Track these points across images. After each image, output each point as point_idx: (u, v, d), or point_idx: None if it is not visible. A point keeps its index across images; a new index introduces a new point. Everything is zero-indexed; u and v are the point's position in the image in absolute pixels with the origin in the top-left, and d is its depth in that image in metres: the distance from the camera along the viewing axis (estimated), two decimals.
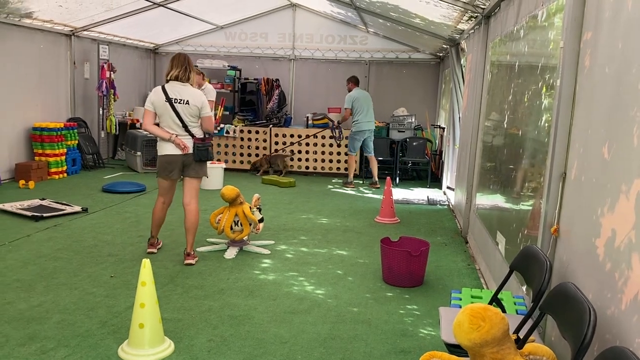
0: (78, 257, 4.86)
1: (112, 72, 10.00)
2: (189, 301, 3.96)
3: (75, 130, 9.15)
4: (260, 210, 5.33)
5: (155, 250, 4.98)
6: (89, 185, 8.26)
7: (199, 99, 4.67)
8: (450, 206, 7.64)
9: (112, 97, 10.06)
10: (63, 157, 8.79)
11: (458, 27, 7.20)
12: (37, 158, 8.58)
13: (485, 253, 4.73)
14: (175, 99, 4.58)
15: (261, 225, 5.29)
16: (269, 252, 5.22)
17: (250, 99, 11.93)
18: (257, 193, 5.49)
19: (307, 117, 10.68)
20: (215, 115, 11.06)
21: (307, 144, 10.08)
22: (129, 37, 11.05)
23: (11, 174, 8.27)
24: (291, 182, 8.95)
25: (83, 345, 3.24)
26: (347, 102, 8.93)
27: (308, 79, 11.97)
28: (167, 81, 4.68)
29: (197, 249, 5.14)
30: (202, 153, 4.68)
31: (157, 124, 4.72)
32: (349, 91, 9.21)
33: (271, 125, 10.82)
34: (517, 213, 3.72)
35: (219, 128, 10.05)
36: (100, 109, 10.10)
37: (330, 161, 10.08)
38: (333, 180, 9.66)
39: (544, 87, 3.27)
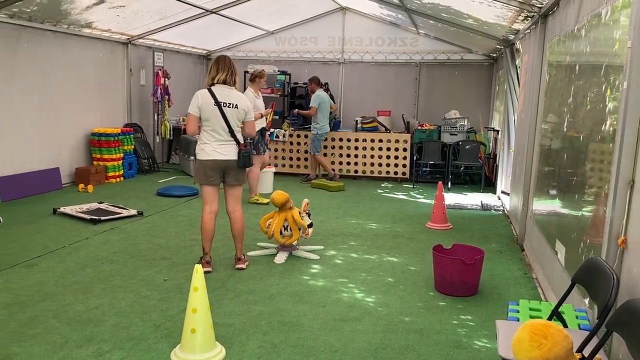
0: (133, 260, 4.98)
1: (166, 79, 10.26)
2: (240, 306, 3.98)
3: (132, 136, 9.44)
4: (309, 215, 5.32)
5: (211, 269, 4.68)
6: (144, 189, 8.49)
7: (246, 103, 4.67)
8: (505, 212, 7.40)
9: (167, 103, 10.33)
10: (120, 162, 9.08)
11: (513, 27, 6.97)
12: (95, 163, 8.89)
13: (543, 262, 4.54)
14: (224, 102, 4.53)
15: (310, 230, 5.28)
16: (318, 257, 5.19)
17: (300, 103, 11.97)
18: (306, 198, 5.47)
19: (356, 121, 10.62)
20: (266, 119, 11.22)
21: (356, 148, 10.02)
22: (182, 44, 11.33)
23: (71, 178, 8.60)
24: (340, 186, 8.92)
25: (137, 348, 3.30)
26: (315, 101, 9.19)
27: (357, 82, 11.92)
28: (212, 84, 4.60)
29: (248, 253, 5.17)
30: (246, 159, 4.65)
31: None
32: (312, 91, 9.50)
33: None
34: (578, 221, 3.54)
35: (269, 132, 10.12)
36: (155, 114, 10.39)
37: (380, 165, 9.98)
38: (382, 184, 9.55)
39: (608, 89, 3.10)
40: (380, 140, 9.94)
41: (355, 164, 10.07)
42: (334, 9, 11.59)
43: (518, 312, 2.98)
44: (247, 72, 12.02)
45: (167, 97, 10.30)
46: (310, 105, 9.30)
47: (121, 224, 6.24)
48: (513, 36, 7.62)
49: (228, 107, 4.56)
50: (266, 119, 10.22)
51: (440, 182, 6.71)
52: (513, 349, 1.91)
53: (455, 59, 11.27)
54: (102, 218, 6.31)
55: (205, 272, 4.60)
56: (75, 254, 5.11)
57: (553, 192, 4.42)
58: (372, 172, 10.03)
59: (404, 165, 9.85)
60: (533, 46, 5.95)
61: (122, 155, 9.11)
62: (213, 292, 4.22)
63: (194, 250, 5.33)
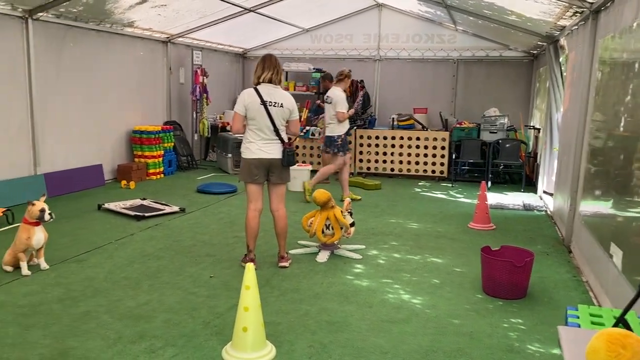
0: (179, 257, 5.04)
1: (204, 77, 10.36)
2: (286, 305, 3.98)
3: (172, 133, 9.56)
4: (351, 214, 5.28)
5: (256, 267, 4.71)
6: (184, 185, 8.60)
7: (291, 101, 4.66)
8: (549, 212, 7.22)
9: (205, 101, 10.43)
10: (160, 159, 9.21)
11: (558, 23, 6.79)
12: (136, 159, 9.05)
13: (595, 265, 4.41)
14: (269, 101, 4.53)
15: (352, 229, 5.24)
16: (361, 257, 5.16)
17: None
18: (347, 197, 5.44)
19: (392, 118, 10.52)
20: (301, 117, 11.23)
21: (393, 146, 9.93)
22: (219, 43, 11.42)
23: (113, 174, 8.77)
24: (377, 185, 8.86)
25: (189, 345, 3.33)
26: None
27: (393, 79, 11.81)
28: (258, 83, 4.62)
29: (289, 251, 5.17)
30: (290, 158, 4.65)
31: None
32: (327, 88, 8.77)
33: (355, 127, 10.76)
34: (638, 224, 3.41)
35: (304, 131, 10.13)
36: (194, 112, 10.50)
37: (417, 163, 9.87)
38: (420, 183, 9.45)
39: None
40: (418, 139, 9.83)
41: (392, 162, 9.99)
42: (370, 6, 11.51)
43: (578, 317, 2.88)
44: (284, 70, 12.07)
45: (205, 95, 10.40)
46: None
47: (164, 221, 6.32)
48: (557, 32, 7.42)
49: (273, 106, 4.56)
50: (301, 117, 10.25)
51: (483, 182, 6.59)
52: (587, 358, 1.84)
53: (493, 55, 11.06)
54: (146, 214, 6.41)
55: None
56: (122, 250, 5.19)
57: (606, 193, 4.28)
58: (408, 170, 9.93)
59: (442, 164, 9.72)
60: (581, 43, 5.78)
61: (162, 152, 9.25)
62: (258, 290, 4.22)
63: (237, 247, 5.36)
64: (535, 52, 10.37)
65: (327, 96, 7.65)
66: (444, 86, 11.41)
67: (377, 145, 10.06)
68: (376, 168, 10.03)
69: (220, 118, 11.65)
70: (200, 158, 11.10)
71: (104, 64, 8.38)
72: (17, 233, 4.47)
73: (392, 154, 9.99)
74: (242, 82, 12.88)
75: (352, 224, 5.23)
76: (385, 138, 10.01)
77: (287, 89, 10.26)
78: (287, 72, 12.25)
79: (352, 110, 7.59)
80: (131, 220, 6.29)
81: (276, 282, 4.44)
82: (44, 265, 4.59)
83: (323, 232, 5.18)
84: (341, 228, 5.17)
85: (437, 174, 9.76)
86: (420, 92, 11.58)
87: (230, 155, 9.77)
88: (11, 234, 5.51)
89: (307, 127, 10.38)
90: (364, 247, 5.47)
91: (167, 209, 6.74)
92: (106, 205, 6.76)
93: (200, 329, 3.55)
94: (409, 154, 9.92)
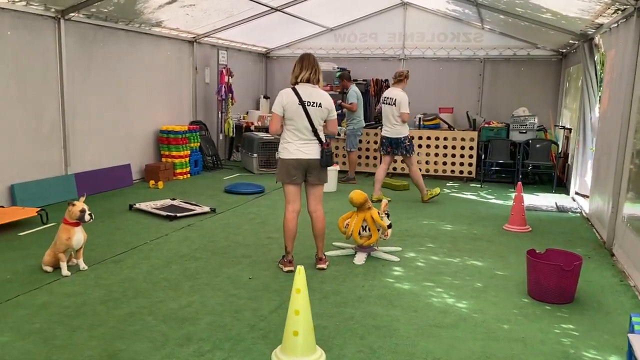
0: (215, 258, 5.01)
1: (230, 77, 10.35)
2: (330, 308, 3.93)
3: (198, 133, 9.57)
4: (388, 216, 5.22)
5: (293, 269, 4.60)
6: (211, 185, 8.59)
7: (329, 101, 4.61)
8: (584, 214, 7.08)
9: (230, 101, 10.42)
10: (187, 159, 9.22)
11: (596, 21, 6.64)
12: (163, 159, 9.06)
13: None
14: (308, 101, 4.48)
15: (389, 231, 5.18)
16: (398, 259, 5.09)
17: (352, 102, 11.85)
18: (385, 198, 5.36)
19: (418, 118, 10.43)
20: None
21: (419, 146, 9.83)
22: (244, 42, 11.41)
23: (141, 174, 8.80)
24: (405, 185, 8.78)
25: (237, 349, 3.29)
26: (353, 96, 9.04)
27: (418, 78, 11.64)
28: (296, 83, 4.58)
29: (325, 253, 5.12)
30: (329, 159, 4.60)
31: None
32: (345, 87, 9.29)
33: (381, 127, 10.67)
34: None
35: None
36: (219, 112, 10.49)
37: (444, 163, 9.76)
38: (448, 184, 9.34)
39: None
40: (445, 138, 9.72)
41: (418, 162, 9.87)
42: (395, 5, 11.42)
43: None
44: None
45: (230, 95, 10.39)
46: (350, 102, 9.13)
47: (196, 221, 6.31)
48: (593, 30, 7.27)
49: (312, 106, 4.51)
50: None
51: (519, 183, 6.47)
52: None
53: (521, 54, 10.90)
54: (178, 215, 6.40)
55: (287, 272, 4.62)
56: (158, 251, 5.18)
57: None
58: (435, 170, 9.82)
59: (470, 164, 9.60)
60: (623, 41, 5.64)
61: (189, 152, 9.25)
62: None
63: (272, 248, 5.32)
64: (564, 50, 10.20)
65: (387, 97, 7.63)
66: (470, 85, 11.27)
67: None
68: (402, 168, 9.94)
69: (244, 118, 11.66)
70: (224, 158, 11.09)
71: (132, 64, 8.40)
72: (57, 233, 4.47)
73: (418, 154, 9.88)
74: (265, 82, 12.88)
75: (389, 226, 5.16)
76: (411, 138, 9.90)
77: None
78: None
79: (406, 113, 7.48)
80: (163, 221, 6.29)
81: (316, 285, 4.39)
82: (82, 265, 4.59)
83: (360, 233, 5.11)
84: (378, 230, 5.11)
85: (465, 174, 9.64)
86: (446, 92, 11.46)
87: (255, 155, 9.74)
88: (46, 234, 5.55)
89: None
90: (400, 249, 5.39)
91: (198, 209, 6.73)
92: (137, 205, 6.77)
93: (246, 332, 3.51)
94: (436, 154, 9.81)
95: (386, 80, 11.63)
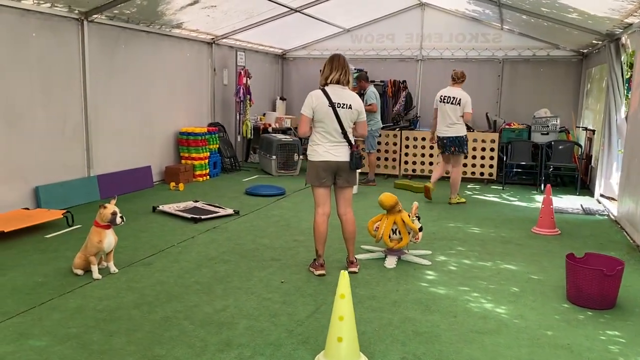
0: (245, 261, 4.96)
1: (248, 78, 10.31)
2: (366, 313, 3.86)
3: (217, 135, 9.54)
4: (419, 219, 5.14)
5: (324, 272, 4.57)
6: (231, 187, 8.56)
7: (359, 102, 4.55)
8: (612, 217, 6.97)
9: (248, 102, 10.38)
10: (206, 161, 9.18)
11: (625, 20, 6.54)
12: (183, 161, 9.04)
13: None
14: (338, 103, 4.44)
15: (420, 234, 5.10)
16: (430, 263, 5.01)
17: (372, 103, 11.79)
18: (415, 202, 5.29)
19: None
20: None
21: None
22: (260, 44, 11.38)
23: (161, 176, 8.77)
24: (423, 188, 8.68)
25: (278, 354, 3.23)
26: (372, 97, 8.97)
27: (436, 79, 11.56)
28: (326, 84, 4.52)
29: (357, 257, 5.05)
30: (358, 161, 4.55)
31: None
32: (363, 89, 9.27)
33: (399, 128, 10.61)
34: None
35: None
36: (237, 113, 10.46)
37: (465, 165, 9.66)
38: (469, 186, 9.25)
39: None
40: None
41: (438, 163, 9.78)
42: (413, 5, 11.35)
43: None
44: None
45: (248, 96, 10.35)
46: (369, 102, 9.05)
47: (221, 223, 6.27)
48: (620, 30, 7.16)
49: (342, 107, 4.46)
50: None
51: (549, 185, 6.37)
52: None
53: (541, 55, 10.79)
54: (203, 217, 6.36)
55: (319, 275, 4.56)
56: (187, 254, 5.14)
57: None
58: None
59: (491, 166, 9.50)
60: None
61: (208, 154, 9.22)
62: (334, 296, 4.11)
63: (300, 251, 5.27)
64: (585, 51, 10.08)
65: (450, 96, 7.58)
66: (489, 86, 11.17)
67: (423, 147, 9.89)
68: (422, 170, 9.86)
69: (261, 119, 11.62)
70: (241, 159, 11.05)
71: (153, 65, 8.38)
72: (88, 236, 4.43)
73: (438, 155, 9.78)
74: (281, 84, 12.84)
75: (420, 229, 5.08)
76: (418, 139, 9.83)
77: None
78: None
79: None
80: (188, 223, 6.25)
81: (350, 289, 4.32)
82: (113, 269, 4.56)
83: (390, 236, 5.04)
84: (409, 233, 5.04)
85: (486, 176, 9.54)
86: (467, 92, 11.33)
87: (274, 157, 9.70)
88: (72, 236, 5.53)
89: None
90: (430, 252, 5.32)
91: (222, 212, 6.69)
92: (161, 207, 6.74)
93: (284, 337, 3.45)
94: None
95: (404, 82, 11.58)
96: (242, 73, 10.23)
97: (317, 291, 4.24)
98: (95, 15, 7.00)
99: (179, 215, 6.51)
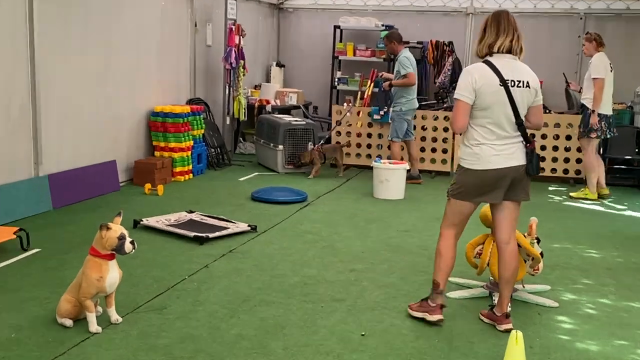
0: (295, 302, 4.73)
1: (241, 37, 10.01)
2: None
3: (202, 117, 9.25)
4: (538, 242, 4.94)
5: (442, 317, 4.38)
6: (228, 190, 8.40)
7: (536, 78, 4.31)
8: None
9: (242, 70, 10.11)
10: (189, 152, 8.89)
11: None
12: (158, 153, 8.74)
13: None
14: (512, 81, 4.17)
15: (541, 264, 4.90)
16: (556, 304, 4.85)
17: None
18: (534, 217, 5.08)
19: None
20: (364, 93, 10.90)
21: None
22: None
23: (129, 174, 8.47)
24: None
25: None
26: (407, 63, 8.90)
27: None
28: (489, 54, 4.27)
29: (447, 294, 4.83)
30: (538, 164, 4.33)
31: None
32: (394, 52, 9.28)
33: (443, 109, 10.45)
34: None
35: (382, 113, 9.75)
36: (227, 86, 10.15)
37: (542, 159, 9.47)
38: (551, 188, 9.16)
39: None
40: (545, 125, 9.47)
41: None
42: None
43: None
44: (339, 27, 11.77)
45: (242, 62, 10.09)
46: (402, 73, 8.86)
47: (237, 244, 6.05)
48: None
49: (518, 86, 4.20)
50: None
51: None
52: None
53: (637, 8, 10.73)
54: (210, 235, 6.10)
55: (436, 321, 4.36)
56: (208, 291, 4.88)
57: None
58: None
59: (578, 160, 9.36)
60: None
61: (191, 143, 8.94)
62: (447, 355, 3.89)
63: (367, 287, 5.10)
64: None
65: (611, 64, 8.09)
66: (566, 51, 11.14)
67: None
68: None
69: (253, 94, 11.34)
70: (230, 150, 10.76)
71: (118, 25, 8.04)
72: (83, 271, 4.11)
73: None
74: (277, 44, 12.59)
75: (541, 255, 4.88)
76: None
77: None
78: (341, 30, 11.98)
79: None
80: (190, 244, 6.00)
81: (463, 344, 4.11)
82: (115, 317, 4.24)
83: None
84: (525, 261, 4.84)
85: (572, 174, 9.44)
86: (532, 59, 10.98)
87: (281, 147, 9.45)
88: (32, 264, 5.31)
89: (373, 108, 9.92)
90: (548, 288, 5.16)
91: (232, 227, 6.44)
92: (146, 222, 6.45)
93: None
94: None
95: (450, 43, 11.43)
96: (234, 30, 9.90)
97: (422, 349, 4.03)
98: None
99: (175, 232, 6.23)
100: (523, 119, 4.23)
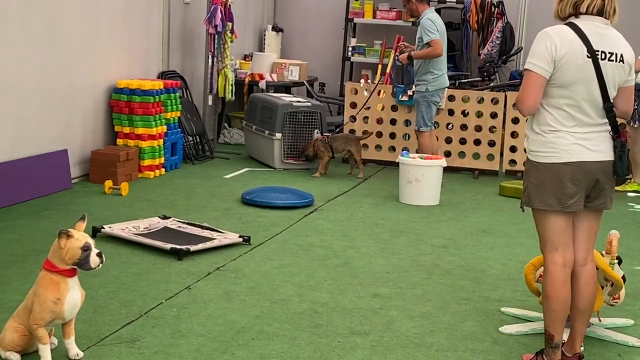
0: (303, 335, 4.80)
1: None
2: None
3: (178, 95, 9.37)
4: (620, 262, 5.00)
5: None
6: (211, 190, 8.61)
7: (632, 52, 4.31)
8: None
9: (229, 36, 10.23)
10: (161, 141, 9.01)
11: None
12: (121, 141, 8.84)
13: None
14: (603, 52, 4.16)
15: (623, 291, 4.96)
16: None
17: (449, 38, 11.68)
18: (614, 230, 5.14)
19: None
20: (385, 68, 11.01)
21: None
22: None
23: (84, 168, 8.65)
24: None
25: None
26: (432, 28, 8.85)
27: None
28: (575, 14, 4.24)
29: (500, 329, 5.01)
30: (629, 162, 4.38)
31: None
32: (415, 13, 9.16)
33: (490, 89, 10.56)
34: None
35: (410, 93, 9.85)
36: (210, 56, 10.27)
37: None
38: (630, 194, 9.38)
39: None
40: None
41: None
42: None
43: None
44: None
45: (230, 25, 10.23)
46: (425, 40, 8.86)
47: (225, 259, 6.18)
48: None
49: (610, 60, 4.20)
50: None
51: None
52: None
53: None
54: (190, 248, 6.20)
55: None
56: (193, 320, 4.95)
57: None
58: None
59: None
60: None
61: (164, 128, 9.07)
62: None
63: (395, 317, 5.19)
64: None
65: None
66: None
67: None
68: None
69: (242, 66, 11.46)
70: (212, 138, 10.94)
71: None
72: (36, 290, 4.16)
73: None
74: (274, 2, 12.73)
75: (623, 279, 4.95)
76: None
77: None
78: None
79: None
80: (165, 258, 6.12)
81: None
82: (74, 351, 4.30)
83: None
84: (602, 287, 4.90)
85: None
86: (617, 28, 11.35)
87: (279, 135, 9.54)
88: None
89: (400, 86, 10.00)
90: (632, 322, 5.27)
91: (220, 238, 6.59)
92: (108, 230, 6.57)
93: None
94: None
95: (499, 4, 11.55)
96: None
97: None
98: None
99: (145, 243, 6.34)
100: (612, 102, 4.28)
